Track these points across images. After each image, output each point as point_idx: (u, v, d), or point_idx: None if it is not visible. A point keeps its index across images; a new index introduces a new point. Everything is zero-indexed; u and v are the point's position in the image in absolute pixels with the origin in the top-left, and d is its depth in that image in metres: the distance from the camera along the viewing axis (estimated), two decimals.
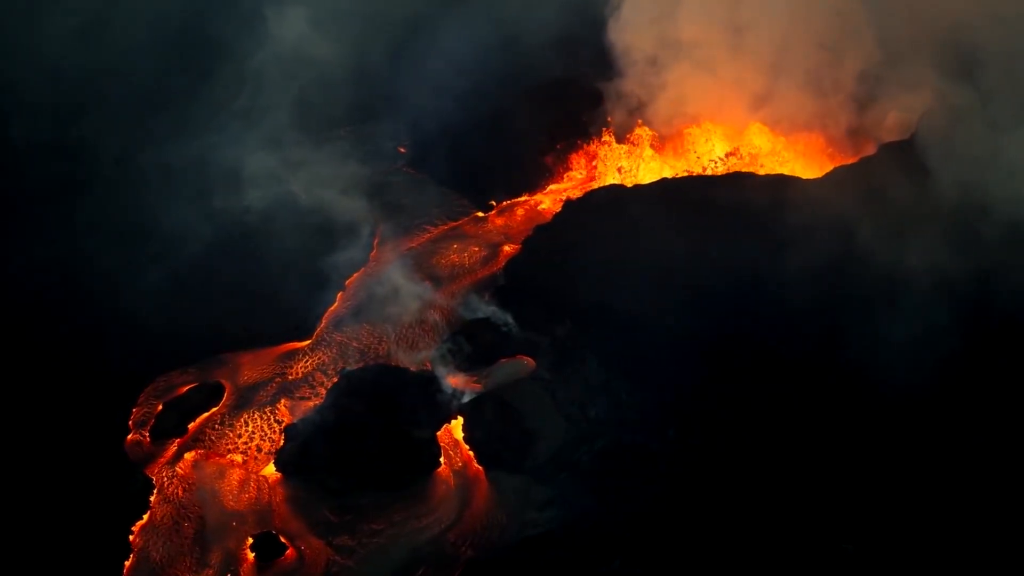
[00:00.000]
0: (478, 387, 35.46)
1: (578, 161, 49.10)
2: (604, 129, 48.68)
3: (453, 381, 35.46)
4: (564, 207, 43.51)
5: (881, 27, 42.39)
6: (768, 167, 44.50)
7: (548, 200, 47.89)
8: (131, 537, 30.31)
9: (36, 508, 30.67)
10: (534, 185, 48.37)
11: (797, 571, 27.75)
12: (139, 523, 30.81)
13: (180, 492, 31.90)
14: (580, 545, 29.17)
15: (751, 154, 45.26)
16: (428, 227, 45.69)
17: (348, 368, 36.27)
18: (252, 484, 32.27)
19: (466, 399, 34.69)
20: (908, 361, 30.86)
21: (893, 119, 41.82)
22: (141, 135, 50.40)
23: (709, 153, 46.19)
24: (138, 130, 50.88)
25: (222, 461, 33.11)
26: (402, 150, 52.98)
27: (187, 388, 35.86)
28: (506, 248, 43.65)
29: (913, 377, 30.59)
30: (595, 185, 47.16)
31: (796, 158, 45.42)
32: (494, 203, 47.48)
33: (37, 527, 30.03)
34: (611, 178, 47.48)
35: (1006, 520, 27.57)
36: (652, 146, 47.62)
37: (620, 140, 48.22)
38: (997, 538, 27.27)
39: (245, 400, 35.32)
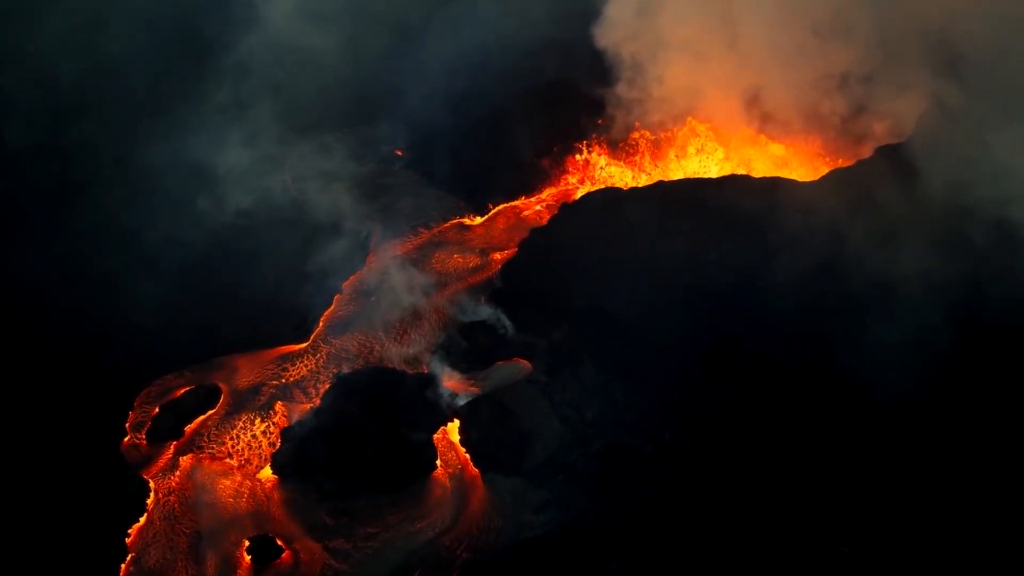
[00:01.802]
0: (474, 390, 35.49)
1: (574, 164, 49.11)
2: (600, 132, 48.75)
3: (449, 383, 35.51)
4: (560, 210, 43.60)
5: (874, 27, 42.40)
6: (763, 170, 44.60)
7: (544, 203, 47.94)
8: (127, 540, 30.36)
9: (33, 511, 30.66)
10: (531, 188, 48.38)
11: (794, 573, 27.77)
12: (136, 526, 30.85)
13: (176, 495, 31.94)
14: (577, 547, 29.20)
15: (747, 161, 45.38)
16: (424, 230, 45.72)
17: (344, 371, 36.32)
18: (248, 487, 32.32)
19: (462, 402, 34.72)
20: (903, 363, 30.96)
21: (881, 128, 41.89)
22: (137, 137, 50.31)
23: (705, 170, 46.27)
24: (134, 132, 50.82)
25: (218, 464, 33.15)
26: (399, 153, 53.08)
27: (183, 391, 35.91)
28: (502, 251, 43.71)
29: (908, 379, 30.68)
30: (591, 188, 47.24)
31: (792, 161, 45.53)
32: (491, 206, 47.51)
33: (34, 530, 30.02)
34: (606, 181, 47.52)
35: (1001, 522, 27.62)
36: (647, 149, 47.70)
37: (615, 143, 48.30)
38: (991, 540, 27.33)
39: (241, 403, 35.39)
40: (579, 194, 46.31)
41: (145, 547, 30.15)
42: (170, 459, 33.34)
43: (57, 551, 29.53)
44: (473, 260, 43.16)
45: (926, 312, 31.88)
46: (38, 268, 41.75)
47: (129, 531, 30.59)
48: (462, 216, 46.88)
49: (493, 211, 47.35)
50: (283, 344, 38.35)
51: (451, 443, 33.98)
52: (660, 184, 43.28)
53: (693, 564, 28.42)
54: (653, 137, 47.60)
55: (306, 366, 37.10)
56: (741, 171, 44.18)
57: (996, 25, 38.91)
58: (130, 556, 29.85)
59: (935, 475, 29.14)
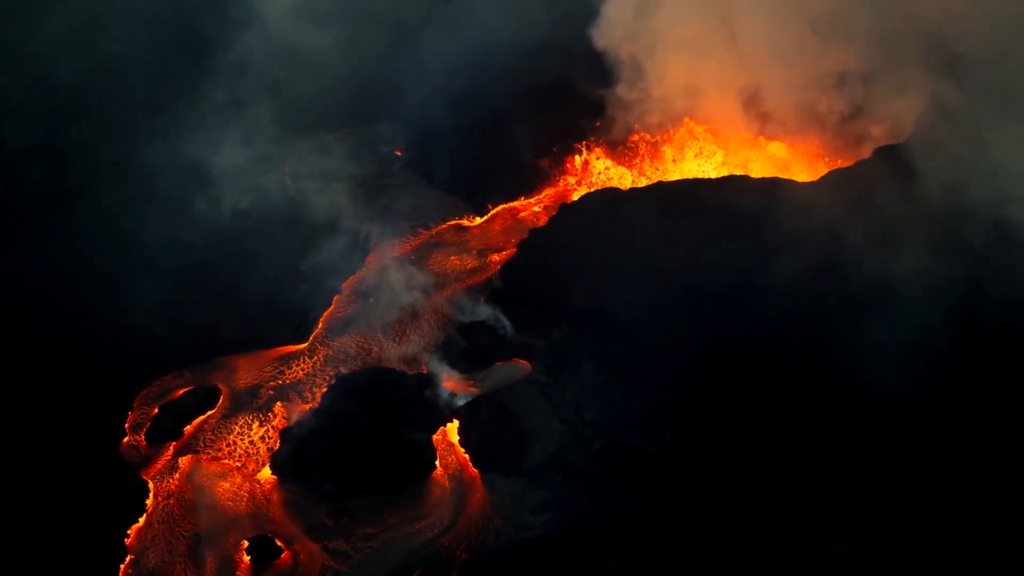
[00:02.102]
0: (474, 390, 35.50)
1: (573, 165, 49.14)
2: (598, 133, 48.73)
3: (449, 384, 35.53)
4: (559, 210, 43.63)
5: (873, 26, 42.38)
6: (762, 171, 44.59)
7: (543, 203, 47.99)
8: (127, 540, 30.35)
9: (33, 512, 30.65)
10: (530, 189, 48.42)
11: (794, 573, 27.72)
12: (135, 526, 30.82)
13: (175, 496, 31.89)
14: (576, 548, 29.18)
15: (746, 162, 45.36)
16: (423, 230, 45.79)
17: (344, 371, 36.34)
18: (247, 488, 32.30)
19: (462, 402, 34.73)
20: (902, 363, 30.96)
21: (880, 129, 41.86)
22: (137, 138, 50.26)
23: (704, 173, 46.23)
24: (133, 133, 50.77)
25: (217, 465, 33.13)
26: (398, 153, 53.11)
27: (183, 391, 35.92)
28: (500, 252, 43.72)
29: (907, 379, 30.67)
30: (590, 188, 47.23)
31: (791, 161, 45.52)
32: (490, 207, 47.54)
33: (34, 531, 30.01)
34: (605, 183, 47.45)
35: (1000, 522, 27.61)
36: (646, 151, 47.66)
37: (614, 144, 48.29)
38: (991, 540, 27.31)
39: (241, 403, 35.41)
40: (578, 195, 46.34)
41: (144, 549, 30.12)
42: (169, 460, 33.33)
43: (56, 551, 29.50)
44: (472, 260, 43.19)
45: (925, 312, 31.89)
46: (37, 268, 41.73)
47: (128, 532, 30.59)
48: (461, 217, 46.93)
49: (493, 211, 47.36)
50: (282, 345, 38.38)
51: (450, 443, 33.99)
52: (659, 185, 43.34)
53: (693, 564, 28.40)
54: (652, 139, 47.61)
55: (305, 367, 37.11)
56: (740, 172, 44.19)
57: (995, 25, 38.95)
58: (129, 558, 29.84)
59: (934, 475, 29.15)
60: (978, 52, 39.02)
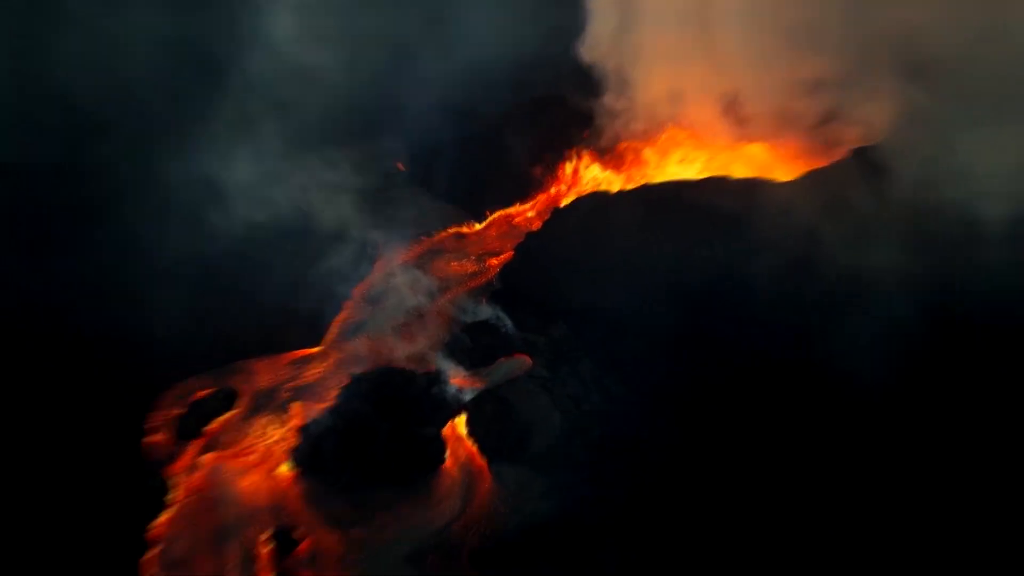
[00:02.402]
0: (479, 385, 36.82)
1: (564, 173, 50.26)
2: (587, 142, 49.73)
3: (455, 380, 36.89)
4: (552, 215, 44.71)
5: (845, 35, 43.12)
6: (743, 172, 45.31)
7: (537, 209, 49.27)
8: (151, 535, 31.18)
9: (59, 509, 31.57)
10: (524, 196, 49.74)
11: (787, 555, 29.06)
12: (159, 521, 31.74)
13: (198, 492, 32.85)
14: (577, 531, 30.56)
15: (727, 165, 46.55)
16: (426, 237, 47.17)
17: (356, 371, 37.47)
18: (267, 483, 33.31)
19: (468, 397, 36.07)
20: (877, 353, 32.07)
21: (854, 132, 42.95)
22: (154, 156, 50.45)
23: (688, 175, 47.27)
24: (151, 152, 50.84)
25: (238, 461, 34.21)
26: (400, 166, 54.35)
27: (204, 393, 36.93)
28: (498, 256, 45.17)
29: (882, 368, 31.87)
30: (581, 193, 48.29)
31: (770, 163, 46.52)
32: (488, 214, 48.97)
33: (60, 527, 30.95)
34: (594, 186, 48.53)
35: (974, 509, 28.85)
36: (632, 157, 48.50)
37: (602, 151, 49.22)
38: (966, 526, 28.49)
39: (260, 404, 36.64)
40: (569, 200, 47.26)
41: (168, 543, 30.94)
42: (192, 458, 34.25)
43: (82, 546, 30.32)
44: (473, 264, 44.58)
45: (898, 305, 32.95)
46: (64, 280, 41.89)
47: (153, 526, 31.42)
48: (461, 224, 48.23)
49: (491, 218, 48.59)
50: (298, 348, 39.58)
51: (459, 436, 35.24)
52: (645, 187, 43.76)
53: (689, 545, 29.76)
54: (638, 145, 48.34)
55: (320, 368, 38.33)
56: (723, 173, 44.38)
57: (963, 33, 40.12)
58: (154, 551, 30.62)
59: (932, 475, 30.02)
60: (947, 58, 40.24)
